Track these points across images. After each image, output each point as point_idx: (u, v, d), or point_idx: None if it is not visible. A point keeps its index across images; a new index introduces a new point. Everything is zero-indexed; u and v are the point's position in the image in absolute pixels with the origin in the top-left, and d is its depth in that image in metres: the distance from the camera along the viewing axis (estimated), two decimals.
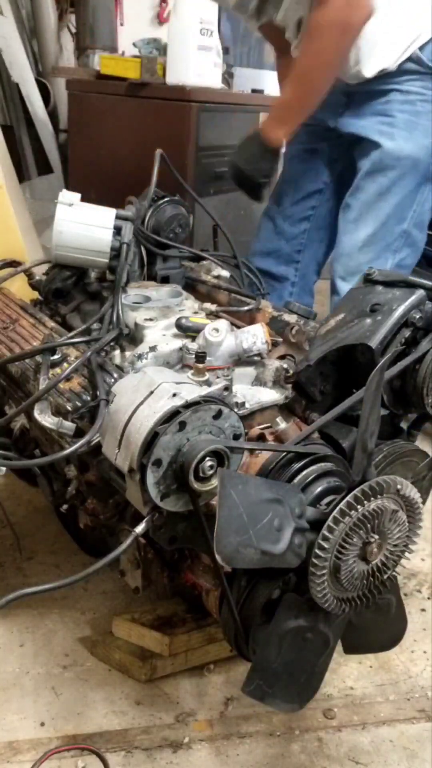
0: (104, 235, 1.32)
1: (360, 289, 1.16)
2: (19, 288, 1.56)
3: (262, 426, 1.10)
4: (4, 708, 1.30)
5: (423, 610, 1.59)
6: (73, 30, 3.61)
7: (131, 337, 1.26)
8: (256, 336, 1.18)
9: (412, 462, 1.12)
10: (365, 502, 0.86)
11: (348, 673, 1.42)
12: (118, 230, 1.35)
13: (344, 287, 1.76)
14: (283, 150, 1.69)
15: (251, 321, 1.35)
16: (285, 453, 0.98)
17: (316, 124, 1.86)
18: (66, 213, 1.32)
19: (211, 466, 0.88)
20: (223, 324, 1.18)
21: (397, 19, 1.63)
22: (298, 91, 1.66)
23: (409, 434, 1.23)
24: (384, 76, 1.69)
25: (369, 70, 1.67)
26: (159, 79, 2.62)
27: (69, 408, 1.08)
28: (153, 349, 1.18)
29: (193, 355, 1.10)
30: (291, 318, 1.32)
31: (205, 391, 0.94)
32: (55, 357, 1.18)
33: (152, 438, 0.87)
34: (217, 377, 1.13)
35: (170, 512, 0.92)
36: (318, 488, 0.94)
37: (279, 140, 1.66)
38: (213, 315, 1.32)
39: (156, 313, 1.29)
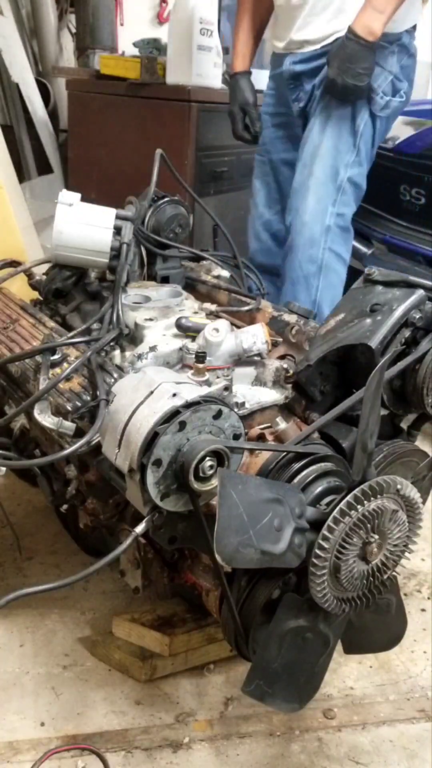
0: (104, 235, 1.32)
1: (360, 289, 1.16)
2: (19, 288, 1.56)
3: (262, 426, 1.10)
4: (4, 708, 1.30)
5: (423, 610, 1.59)
6: (73, 30, 3.61)
7: (131, 337, 1.25)
8: (256, 336, 1.18)
9: (412, 462, 1.12)
10: (365, 502, 0.86)
11: (348, 673, 1.42)
12: (118, 230, 1.35)
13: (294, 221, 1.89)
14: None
15: (251, 321, 1.35)
16: (285, 453, 0.98)
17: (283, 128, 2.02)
18: (66, 213, 1.32)
19: (211, 466, 0.88)
20: (223, 324, 1.18)
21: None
22: None
23: (409, 434, 1.23)
24: (322, 55, 1.83)
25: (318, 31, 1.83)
26: (159, 79, 2.63)
27: (69, 408, 1.08)
28: (153, 349, 1.18)
29: (193, 355, 1.10)
30: (291, 318, 1.32)
31: (205, 391, 0.94)
32: (55, 357, 1.18)
33: (152, 438, 0.87)
34: (217, 377, 1.13)
35: (170, 512, 0.92)
36: (318, 488, 0.95)
37: (377, 32, 1.68)
38: (213, 315, 1.32)
39: (156, 313, 1.29)
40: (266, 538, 0.84)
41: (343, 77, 1.70)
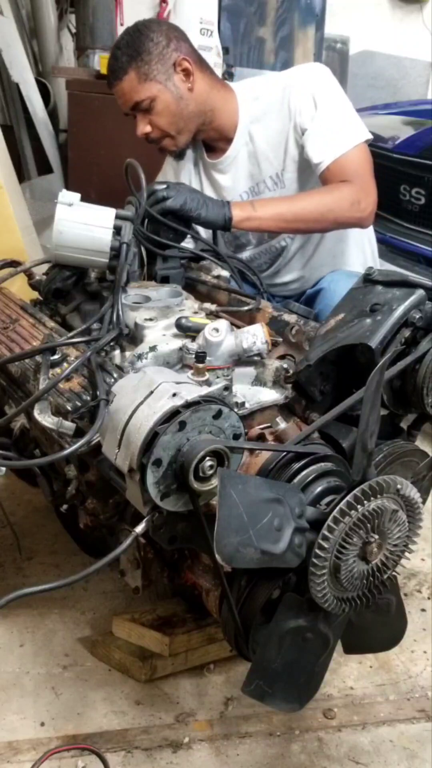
0: (104, 235, 1.32)
1: (360, 289, 1.16)
2: (19, 288, 1.56)
3: (262, 426, 1.10)
4: (5, 708, 1.30)
5: (423, 610, 1.59)
6: (73, 30, 3.62)
7: (131, 337, 1.25)
8: (256, 336, 1.18)
9: (412, 462, 1.12)
10: (365, 501, 0.86)
11: (348, 673, 1.42)
12: (117, 230, 1.34)
13: None
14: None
15: (251, 321, 1.35)
16: (285, 453, 0.98)
17: None
18: (66, 213, 1.32)
19: (211, 466, 0.88)
20: (223, 324, 1.18)
21: None
22: (296, 209, 1.61)
23: (409, 434, 1.23)
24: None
25: None
26: None
27: (69, 408, 1.08)
28: (153, 349, 1.18)
29: (193, 355, 1.10)
30: (291, 318, 1.32)
31: (205, 390, 0.94)
32: (55, 357, 1.18)
33: (152, 438, 0.87)
34: (217, 377, 1.13)
35: (170, 512, 0.92)
36: (318, 488, 0.94)
37: (238, 224, 1.57)
38: (213, 315, 1.32)
39: (156, 313, 1.29)
40: (266, 538, 0.84)
41: (191, 207, 1.52)
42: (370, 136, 1.68)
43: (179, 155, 1.80)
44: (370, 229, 1.86)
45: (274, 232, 1.75)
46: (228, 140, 1.76)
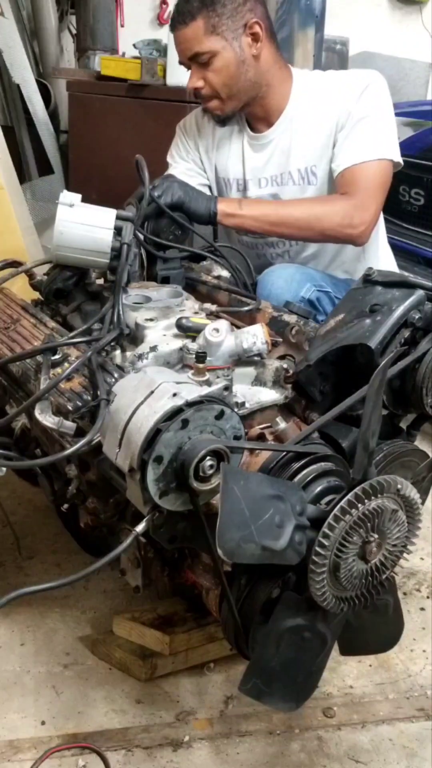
0: (105, 235, 1.33)
1: (359, 290, 1.17)
2: (20, 288, 1.56)
3: (262, 426, 1.11)
4: (5, 707, 1.30)
5: (422, 609, 1.59)
6: (74, 31, 3.62)
7: (132, 337, 1.26)
8: (256, 336, 1.18)
9: (412, 462, 1.13)
10: (365, 501, 0.87)
11: (347, 672, 1.42)
12: (118, 231, 1.35)
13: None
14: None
15: (251, 321, 1.36)
16: (285, 453, 0.98)
17: None
18: (67, 213, 1.32)
19: (211, 466, 0.89)
20: (223, 324, 1.18)
21: None
22: (282, 214, 1.60)
23: (409, 434, 1.24)
24: None
25: None
26: (159, 80, 2.64)
27: (70, 408, 1.09)
28: (153, 349, 1.18)
29: (194, 355, 1.11)
30: (291, 318, 1.32)
31: (205, 390, 0.95)
32: (56, 357, 1.19)
33: (154, 435, 0.87)
34: (217, 377, 1.13)
35: (170, 511, 0.93)
36: (318, 488, 0.95)
37: (222, 212, 1.58)
38: (213, 315, 1.33)
39: (156, 314, 1.29)
40: (267, 534, 0.85)
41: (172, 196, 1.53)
42: (400, 162, 1.64)
43: (222, 121, 1.74)
44: (383, 233, 1.83)
45: (258, 233, 1.70)
46: (269, 123, 1.72)
